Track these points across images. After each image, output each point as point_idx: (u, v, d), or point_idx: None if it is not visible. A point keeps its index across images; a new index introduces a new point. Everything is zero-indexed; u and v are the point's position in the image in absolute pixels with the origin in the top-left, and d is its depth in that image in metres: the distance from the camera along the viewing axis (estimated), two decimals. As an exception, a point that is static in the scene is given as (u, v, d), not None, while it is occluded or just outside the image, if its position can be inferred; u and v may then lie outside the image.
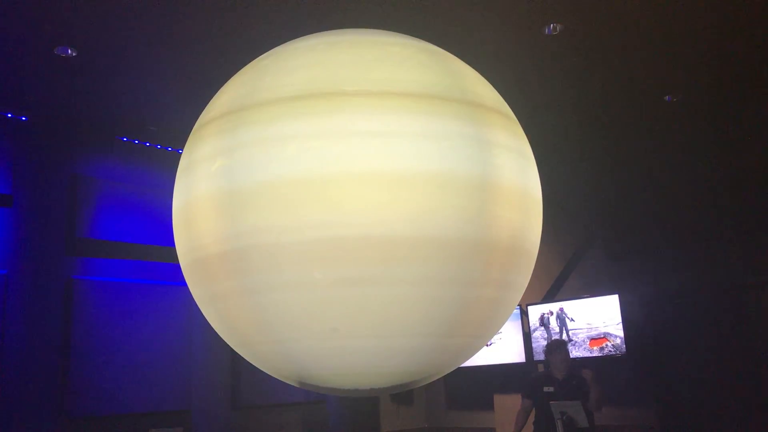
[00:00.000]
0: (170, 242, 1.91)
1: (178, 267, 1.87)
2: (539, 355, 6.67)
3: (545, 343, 6.64)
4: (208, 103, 1.89)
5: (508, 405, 4.97)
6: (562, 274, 6.97)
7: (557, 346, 5.07)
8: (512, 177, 1.68)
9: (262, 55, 1.87)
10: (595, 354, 6.23)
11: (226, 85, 1.88)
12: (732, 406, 5.66)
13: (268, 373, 1.87)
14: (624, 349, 6.05)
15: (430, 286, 1.55)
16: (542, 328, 6.69)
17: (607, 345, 6.17)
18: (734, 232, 5.84)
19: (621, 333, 6.07)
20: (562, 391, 4.85)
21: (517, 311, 6.84)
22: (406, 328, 1.59)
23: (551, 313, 6.64)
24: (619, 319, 6.09)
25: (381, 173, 1.48)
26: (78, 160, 5.77)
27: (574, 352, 6.38)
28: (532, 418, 5.07)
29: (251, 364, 1.89)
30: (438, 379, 2.01)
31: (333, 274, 1.50)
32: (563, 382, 4.90)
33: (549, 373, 5.00)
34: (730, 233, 5.86)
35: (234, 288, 1.62)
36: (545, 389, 4.93)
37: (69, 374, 5.31)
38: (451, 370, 1.93)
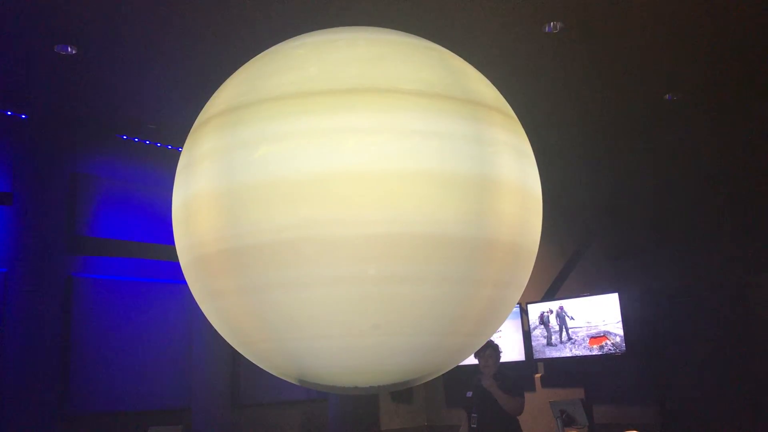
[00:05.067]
0: (170, 240, 1.91)
1: (177, 265, 1.87)
2: (539, 354, 6.68)
3: (545, 341, 6.65)
4: (207, 100, 1.89)
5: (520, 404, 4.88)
6: (562, 273, 6.98)
7: (481, 349, 4.66)
8: (512, 175, 1.68)
9: (275, 48, 1.85)
10: (595, 352, 6.24)
11: (227, 82, 1.87)
12: (732, 405, 5.66)
13: (269, 371, 1.87)
14: (624, 348, 6.05)
15: (430, 285, 1.56)
16: (542, 326, 6.69)
17: (606, 343, 6.18)
18: (734, 231, 5.85)
19: (621, 331, 6.08)
20: (474, 397, 4.72)
21: (516, 309, 6.85)
22: (405, 327, 1.59)
23: (551, 312, 6.64)
24: (619, 317, 6.09)
25: (378, 171, 1.48)
26: (78, 158, 5.77)
27: (574, 351, 6.38)
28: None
29: (251, 362, 1.89)
30: (437, 378, 2.02)
31: (335, 272, 1.50)
32: (478, 388, 4.74)
33: (477, 379, 4.83)
34: (730, 231, 5.87)
35: (234, 286, 1.62)
36: (467, 394, 4.84)
37: (69, 372, 5.32)
38: (450, 368, 1.93)
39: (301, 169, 1.49)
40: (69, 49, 4.27)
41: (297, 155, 1.50)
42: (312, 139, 1.50)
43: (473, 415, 4.69)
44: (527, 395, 5.01)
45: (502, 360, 6.93)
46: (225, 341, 1.89)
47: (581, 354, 6.33)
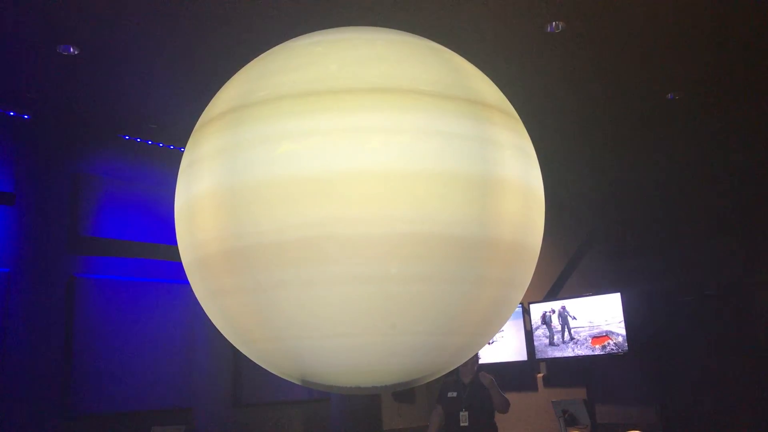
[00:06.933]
0: (172, 240, 1.91)
1: (180, 265, 1.87)
2: (541, 354, 6.68)
3: (547, 341, 6.64)
4: (210, 100, 1.88)
5: (510, 403, 4.99)
6: (564, 273, 6.98)
7: None
8: (515, 175, 1.68)
9: (291, 41, 1.83)
10: (597, 352, 6.23)
11: (233, 79, 1.86)
12: (733, 405, 5.65)
13: (271, 371, 1.87)
14: (626, 348, 6.05)
15: (432, 284, 1.55)
16: (544, 326, 6.69)
17: (609, 343, 6.17)
18: (736, 230, 5.84)
19: (623, 331, 6.07)
20: (464, 395, 4.88)
21: (518, 309, 6.85)
22: (408, 326, 1.59)
23: (553, 312, 6.64)
24: (621, 317, 6.09)
25: (381, 170, 1.48)
26: (80, 158, 5.77)
27: (576, 350, 6.38)
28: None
29: (253, 362, 1.89)
30: (440, 378, 2.01)
31: (352, 270, 1.50)
32: (466, 387, 4.92)
33: (457, 379, 5.00)
34: (733, 231, 5.86)
35: (237, 285, 1.62)
36: (449, 395, 4.97)
37: (71, 372, 5.32)
38: (452, 368, 1.93)
39: (324, 166, 1.48)
40: (71, 49, 4.27)
41: (320, 153, 1.49)
42: (335, 138, 1.49)
43: (462, 413, 4.78)
44: (529, 395, 5.07)
45: (504, 359, 6.94)
46: (227, 341, 1.89)
47: (583, 354, 6.33)
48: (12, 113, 5.33)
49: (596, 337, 6.27)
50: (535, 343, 6.73)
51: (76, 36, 4.16)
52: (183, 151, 1.87)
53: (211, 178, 1.64)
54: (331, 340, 1.60)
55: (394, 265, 1.49)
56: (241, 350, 1.87)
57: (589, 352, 6.29)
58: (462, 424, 4.79)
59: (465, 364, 4.89)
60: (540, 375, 6.99)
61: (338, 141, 1.49)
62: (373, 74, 1.58)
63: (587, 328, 6.35)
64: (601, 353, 6.20)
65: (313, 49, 1.70)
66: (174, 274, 5.89)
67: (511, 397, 5.14)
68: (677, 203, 6.24)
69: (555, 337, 6.58)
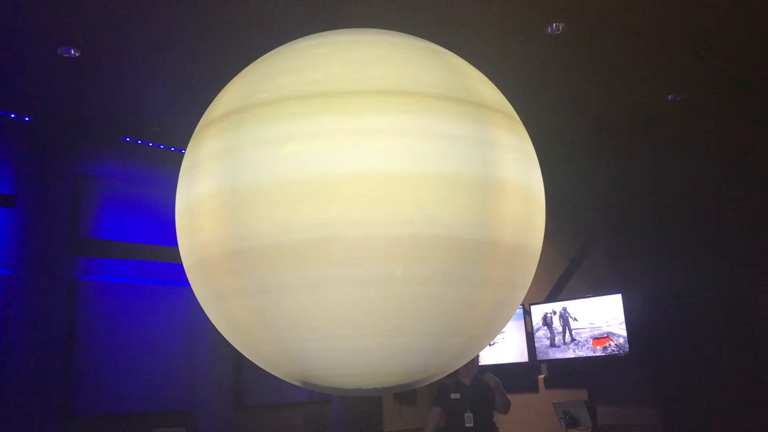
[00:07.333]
0: (173, 242, 1.91)
1: (181, 267, 1.87)
2: (542, 355, 6.68)
3: (548, 343, 6.64)
4: (210, 102, 1.88)
5: (511, 404, 5.00)
6: (565, 274, 6.97)
7: None
8: (516, 176, 1.68)
9: (290, 43, 1.83)
10: (598, 353, 6.23)
11: (234, 81, 1.86)
12: (735, 406, 5.64)
13: (272, 373, 1.87)
14: (627, 349, 6.04)
15: (433, 286, 1.56)
16: (545, 327, 6.68)
17: (610, 344, 6.16)
18: (737, 231, 5.84)
19: (624, 332, 6.07)
20: (467, 397, 4.92)
21: (519, 311, 6.85)
22: (408, 328, 1.59)
23: (554, 313, 6.64)
24: (623, 318, 6.09)
25: (384, 172, 1.48)
26: (81, 160, 5.78)
27: (577, 352, 6.37)
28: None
29: (254, 364, 1.89)
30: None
31: (357, 272, 1.50)
32: (469, 388, 4.96)
33: (457, 380, 5.03)
34: (733, 232, 5.85)
35: (239, 288, 1.62)
36: (452, 396, 4.99)
37: (72, 374, 5.32)
38: (453, 370, 1.93)
39: (327, 168, 1.47)
40: (72, 51, 4.27)
41: (323, 155, 1.48)
42: (338, 139, 1.49)
43: (467, 414, 4.81)
44: (530, 396, 5.09)
45: (505, 361, 6.93)
46: (228, 343, 1.89)
47: (584, 355, 6.32)
48: (13, 115, 5.33)
49: (597, 339, 6.26)
50: (536, 345, 6.72)
51: (76, 38, 4.16)
52: (184, 153, 1.87)
53: (212, 179, 1.63)
54: (333, 342, 1.60)
55: (399, 267, 1.49)
56: (242, 352, 1.87)
57: (590, 354, 6.28)
58: (467, 425, 4.81)
59: (466, 366, 4.89)
60: (541, 376, 6.98)
61: (341, 143, 1.49)
62: (377, 76, 1.58)
63: (588, 330, 6.34)
64: (603, 354, 6.19)
65: (316, 51, 1.70)
66: (175, 276, 5.89)
67: (513, 398, 5.14)
68: (678, 204, 6.24)
69: (556, 339, 6.57)
